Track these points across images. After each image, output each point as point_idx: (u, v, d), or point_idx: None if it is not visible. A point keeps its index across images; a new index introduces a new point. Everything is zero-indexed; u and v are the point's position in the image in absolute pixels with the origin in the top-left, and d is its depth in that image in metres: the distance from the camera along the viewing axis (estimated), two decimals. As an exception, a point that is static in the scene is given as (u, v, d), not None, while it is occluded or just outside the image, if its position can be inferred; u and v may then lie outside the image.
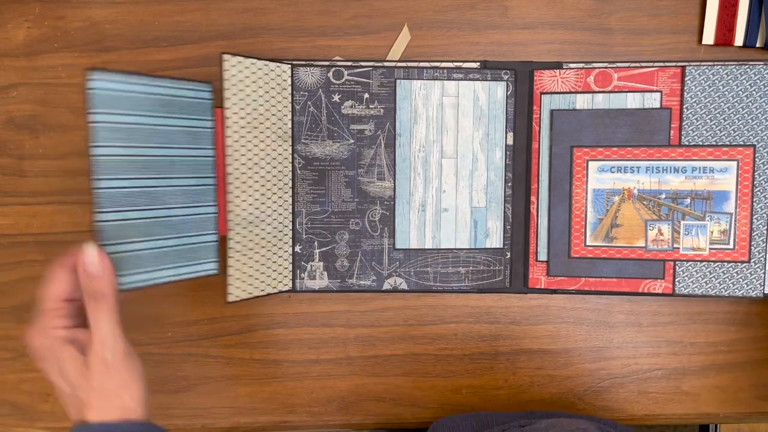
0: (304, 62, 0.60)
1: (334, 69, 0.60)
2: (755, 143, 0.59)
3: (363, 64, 0.60)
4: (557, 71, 0.60)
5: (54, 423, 0.64)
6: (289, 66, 0.60)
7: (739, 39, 0.61)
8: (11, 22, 0.62)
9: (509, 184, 0.62)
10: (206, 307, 0.63)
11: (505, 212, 0.62)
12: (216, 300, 0.63)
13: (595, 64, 0.61)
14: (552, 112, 0.60)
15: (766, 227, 0.59)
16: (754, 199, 0.59)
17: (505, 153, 0.61)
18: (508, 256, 0.62)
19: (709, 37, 0.61)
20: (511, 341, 0.63)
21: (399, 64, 0.61)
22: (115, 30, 0.62)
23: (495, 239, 0.62)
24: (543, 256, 0.62)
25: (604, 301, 0.63)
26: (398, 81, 0.60)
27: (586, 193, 0.61)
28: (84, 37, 0.62)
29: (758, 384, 0.63)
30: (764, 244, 0.60)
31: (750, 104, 0.59)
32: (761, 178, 0.59)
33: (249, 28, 0.62)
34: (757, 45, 0.61)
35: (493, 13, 0.62)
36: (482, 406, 0.63)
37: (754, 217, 0.59)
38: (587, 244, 0.61)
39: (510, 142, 0.61)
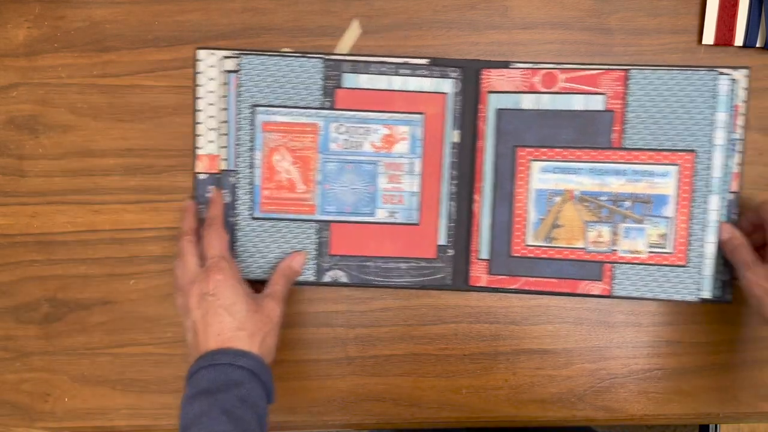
0: (249, 52, 0.60)
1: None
2: (696, 148, 0.59)
3: (310, 55, 0.60)
4: (504, 70, 0.61)
5: (54, 423, 0.64)
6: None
7: (739, 39, 0.61)
8: (11, 22, 0.62)
9: (454, 182, 0.62)
10: (206, 307, 0.63)
11: (449, 209, 0.62)
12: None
13: (543, 65, 0.61)
14: (497, 111, 0.61)
15: (704, 232, 0.60)
16: (693, 204, 0.60)
17: (451, 150, 0.61)
18: (451, 253, 0.62)
19: (709, 37, 0.61)
20: (511, 341, 0.63)
21: (347, 58, 0.61)
22: (115, 30, 0.62)
23: (439, 236, 0.62)
24: (485, 254, 0.62)
25: (605, 301, 0.63)
26: (344, 74, 0.60)
27: (529, 193, 0.61)
28: (84, 37, 0.62)
29: (758, 384, 0.63)
30: (702, 249, 0.60)
31: (692, 109, 0.59)
32: (701, 183, 0.59)
33: (249, 28, 0.62)
34: (757, 45, 0.61)
35: (493, 13, 0.62)
36: (482, 406, 0.63)
37: (693, 221, 0.60)
38: (528, 243, 0.61)
39: (456, 139, 0.61)
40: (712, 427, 0.97)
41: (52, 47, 0.62)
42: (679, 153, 0.59)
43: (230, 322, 0.52)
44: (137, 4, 0.62)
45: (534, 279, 0.61)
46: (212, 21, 0.62)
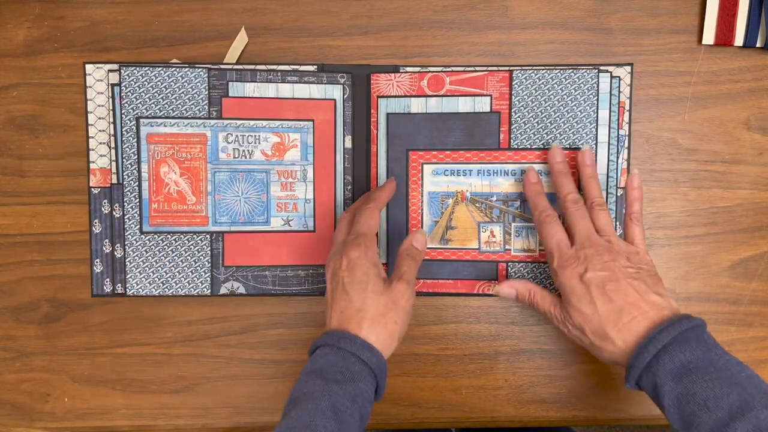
0: (134, 64, 0.60)
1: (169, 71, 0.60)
2: (580, 146, 0.60)
3: (198, 65, 0.60)
4: (393, 75, 0.61)
5: (54, 423, 0.64)
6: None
7: (739, 39, 0.61)
8: (11, 22, 0.62)
9: (348, 188, 0.62)
10: (206, 307, 0.63)
11: None
12: (215, 300, 0.63)
13: (431, 68, 0.61)
14: (388, 115, 0.61)
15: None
16: None
17: (344, 156, 0.61)
18: None
19: (709, 37, 0.61)
20: (511, 341, 0.63)
21: (236, 67, 0.60)
22: (115, 30, 0.62)
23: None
24: (383, 258, 0.62)
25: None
26: (230, 83, 0.60)
27: (422, 196, 0.61)
28: (84, 37, 0.62)
29: (758, 384, 0.63)
30: None
31: (574, 108, 0.60)
32: None
33: (249, 28, 0.62)
34: (757, 45, 0.61)
35: (493, 13, 0.62)
36: (482, 406, 0.63)
37: None
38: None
39: (348, 145, 0.61)
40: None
41: (52, 47, 0.62)
42: (565, 151, 0.60)
43: (353, 302, 0.51)
44: (137, 4, 0.62)
45: (432, 281, 0.62)
46: (212, 21, 0.62)
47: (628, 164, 0.61)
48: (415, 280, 0.55)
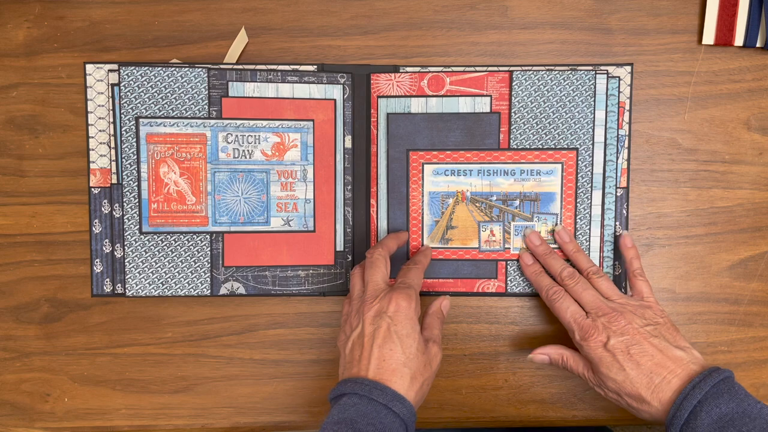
0: (134, 64, 0.60)
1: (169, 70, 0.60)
2: (578, 146, 0.60)
3: (198, 65, 0.60)
4: (393, 75, 0.61)
5: (54, 423, 0.64)
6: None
7: (739, 39, 0.61)
8: (11, 22, 0.62)
9: (348, 188, 0.62)
10: (206, 307, 0.63)
11: (345, 215, 0.62)
12: (216, 300, 0.63)
13: (431, 68, 0.61)
14: (388, 115, 0.61)
15: (588, 227, 0.61)
16: (578, 200, 0.61)
17: (344, 156, 0.61)
18: (350, 258, 0.62)
19: (709, 37, 0.61)
20: (511, 341, 0.63)
21: (236, 67, 0.60)
22: (115, 30, 0.62)
23: (336, 242, 0.62)
24: None
25: (604, 301, 0.63)
26: (230, 83, 0.60)
27: (423, 196, 0.62)
28: (84, 37, 0.62)
29: (758, 384, 0.63)
30: (588, 243, 0.61)
31: (572, 108, 0.60)
32: (583, 180, 0.61)
33: (249, 28, 0.62)
34: (758, 45, 0.61)
35: (493, 13, 0.62)
36: (482, 406, 0.63)
37: (578, 217, 0.61)
38: (425, 245, 0.62)
39: (348, 145, 0.61)
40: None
41: (52, 47, 0.62)
42: (563, 151, 0.60)
43: (399, 354, 0.51)
44: (137, 4, 0.62)
45: (432, 280, 0.62)
46: (212, 21, 0.62)
47: (628, 164, 0.61)
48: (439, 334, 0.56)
